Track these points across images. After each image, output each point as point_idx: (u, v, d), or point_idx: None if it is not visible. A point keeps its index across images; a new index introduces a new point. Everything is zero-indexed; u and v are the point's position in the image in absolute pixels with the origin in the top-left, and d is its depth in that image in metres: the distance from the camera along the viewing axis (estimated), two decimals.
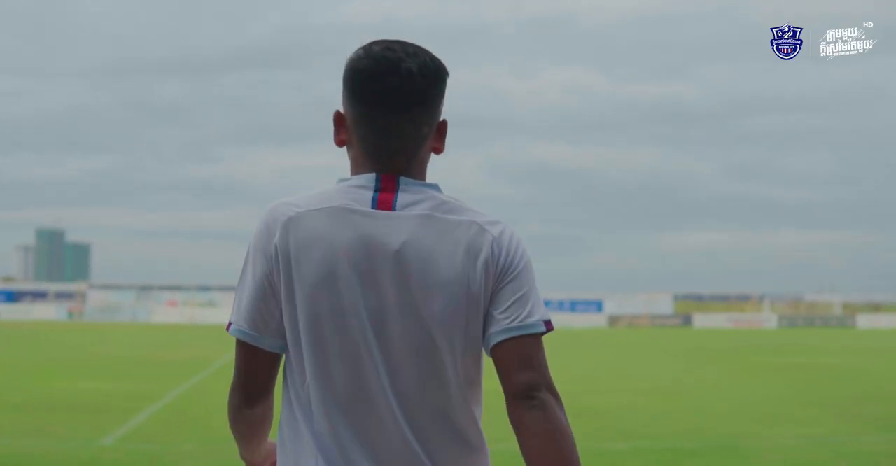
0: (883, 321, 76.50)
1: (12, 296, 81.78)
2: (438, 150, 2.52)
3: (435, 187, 2.46)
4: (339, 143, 2.50)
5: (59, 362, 26.94)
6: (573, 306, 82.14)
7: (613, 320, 77.43)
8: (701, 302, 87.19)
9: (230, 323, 2.46)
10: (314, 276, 2.34)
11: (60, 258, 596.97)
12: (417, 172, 2.47)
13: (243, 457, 2.71)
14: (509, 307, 2.38)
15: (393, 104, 2.40)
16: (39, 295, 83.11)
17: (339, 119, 2.49)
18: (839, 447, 12.46)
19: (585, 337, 50.42)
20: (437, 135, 2.51)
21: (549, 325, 2.41)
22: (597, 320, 78.13)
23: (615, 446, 12.40)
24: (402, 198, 2.40)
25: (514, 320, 2.37)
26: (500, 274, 2.39)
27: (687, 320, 77.58)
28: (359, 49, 2.46)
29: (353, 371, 2.35)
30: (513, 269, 2.39)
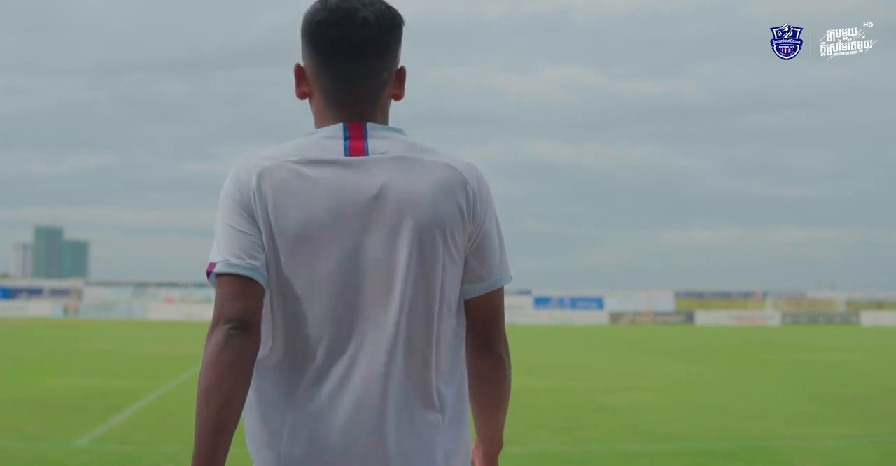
0: (886, 318, 76.30)
1: (7, 293, 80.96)
2: (398, 97, 2.58)
3: (400, 131, 2.51)
4: (301, 96, 2.57)
5: (44, 358, 26.05)
6: (573, 303, 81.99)
7: (615, 317, 76.97)
8: (702, 299, 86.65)
9: (214, 264, 2.36)
10: (294, 225, 2.36)
11: (59, 256, 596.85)
12: (381, 118, 2.51)
13: (206, 454, 2.29)
14: (484, 257, 2.48)
15: (351, 51, 2.46)
16: (35, 292, 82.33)
17: (299, 72, 2.55)
18: (883, 447, 11.69)
19: (589, 335, 49.72)
20: (396, 82, 2.56)
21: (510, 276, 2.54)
22: (598, 317, 77.71)
23: (641, 448, 11.57)
24: (372, 143, 2.44)
25: (489, 273, 2.49)
26: (473, 219, 2.45)
27: (689, 317, 77.26)
28: (316, 2, 2.51)
29: (336, 310, 2.37)
30: (484, 215, 2.47)
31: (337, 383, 2.37)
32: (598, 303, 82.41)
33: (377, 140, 2.45)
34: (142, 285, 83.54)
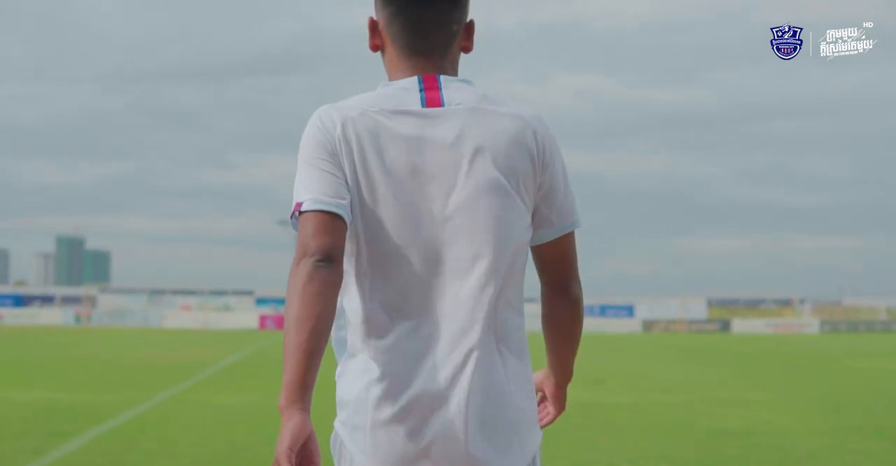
0: None
1: (20, 301, 78.51)
2: (467, 49, 2.70)
3: (470, 82, 2.62)
4: (374, 48, 2.67)
5: (21, 367, 23.18)
6: (602, 310, 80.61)
7: (648, 325, 74.73)
8: (736, 306, 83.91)
9: (300, 203, 2.43)
10: (377, 172, 2.46)
11: (80, 265, 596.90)
12: (451, 69, 2.63)
13: (301, 373, 2.30)
14: (555, 204, 2.60)
15: (423, 1, 2.56)
16: (48, 300, 79.83)
17: (372, 25, 2.65)
18: None
19: (629, 343, 47.00)
20: (465, 34, 2.67)
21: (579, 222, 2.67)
22: (630, 325, 75.63)
23: None
24: (447, 94, 2.55)
25: (559, 218, 2.61)
26: (543, 167, 2.58)
27: (725, 325, 75.12)
28: None
29: (419, 254, 2.48)
30: (552, 163, 2.59)
31: (427, 329, 2.46)
32: (629, 311, 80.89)
33: (451, 91, 2.56)
34: (157, 292, 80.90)
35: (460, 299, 2.47)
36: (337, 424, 2.53)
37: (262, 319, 73.37)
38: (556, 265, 2.66)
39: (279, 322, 72.64)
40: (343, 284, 2.48)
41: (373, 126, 2.47)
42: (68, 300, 79.46)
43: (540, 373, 2.89)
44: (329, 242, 2.37)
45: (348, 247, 2.48)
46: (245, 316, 74.72)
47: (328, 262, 2.35)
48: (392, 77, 2.61)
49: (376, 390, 2.45)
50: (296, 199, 2.44)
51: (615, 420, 12.97)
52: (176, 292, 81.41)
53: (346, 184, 2.45)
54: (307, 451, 2.25)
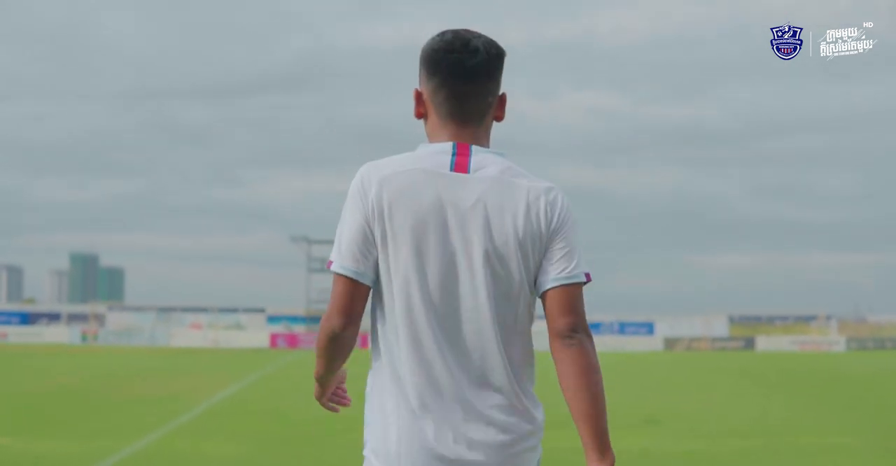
0: None
1: (26, 318, 76.59)
2: (500, 118, 3.11)
3: (501, 154, 3.01)
4: (418, 116, 3.08)
5: None
6: (622, 328, 79.03)
7: (670, 343, 72.79)
8: (759, 323, 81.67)
9: (331, 262, 2.90)
10: (405, 226, 2.85)
11: (94, 282, 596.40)
12: (485, 137, 3.04)
13: (322, 377, 3.13)
14: (559, 260, 2.93)
15: (465, 74, 2.97)
16: (55, 318, 77.84)
17: (418, 95, 3.06)
18: None
19: (654, 364, 44.98)
20: (499, 105, 3.09)
21: (588, 277, 2.95)
22: (651, 343, 73.83)
23: None
24: (475, 162, 2.94)
25: (562, 271, 2.92)
26: (551, 232, 2.93)
27: (749, 343, 72.97)
28: (434, 36, 3.03)
29: (444, 295, 2.88)
30: (562, 228, 2.94)
31: (441, 359, 2.88)
32: (649, 328, 78.77)
33: (479, 160, 2.94)
34: (166, 310, 78.84)
35: (471, 344, 2.92)
36: None
37: (274, 337, 71.56)
38: (559, 311, 2.91)
39: (291, 340, 70.89)
40: (373, 322, 2.99)
41: (405, 185, 2.86)
42: (75, 318, 77.46)
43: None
44: (350, 305, 2.87)
45: (377, 294, 2.95)
46: (256, 335, 72.92)
47: (349, 323, 2.89)
48: (432, 141, 3.01)
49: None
50: (331, 256, 2.92)
51: None
52: (186, 310, 79.39)
53: (375, 240, 2.87)
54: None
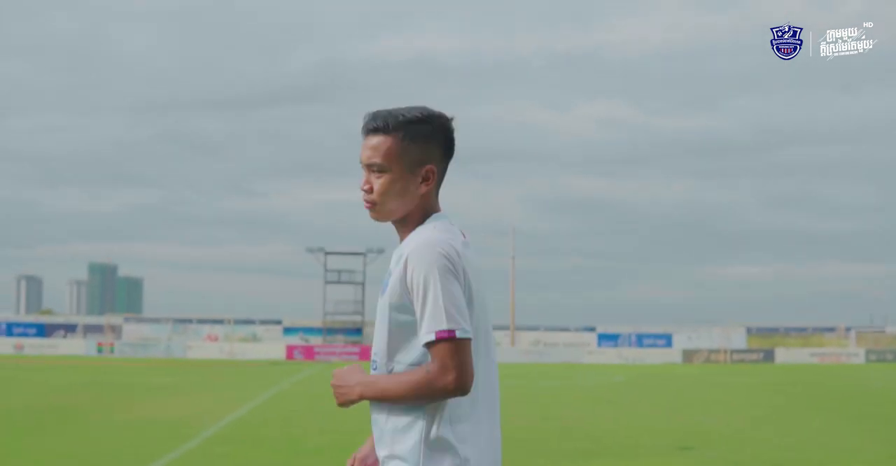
0: None
1: (43, 330, 76.38)
2: None
3: None
4: (426, 191, 3.33)
5: None
6: (640, 340, 78.75)
7: (688, 355, 72.03)
8: (776, 335, 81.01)
9: (452, 330, 3.07)
10: (476, 292, 3.21)
11: (113, 293, 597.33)
12: None
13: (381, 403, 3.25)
14: None
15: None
16: (72, 329, 77.57)
17: (432, 172, 3.32)
18: None
19: (676, 377, 44.18)
20: None
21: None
22: (669, 355, 73.30)
23: None
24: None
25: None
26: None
27: (768, 355, 72.39)
28: (440, 115, 3.33)
29: (488, 362, 3.28)
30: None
31: (492, 401, 3.28)
32: (667, 340, 78.32)
33: None
34: (182, 321, 78.59)
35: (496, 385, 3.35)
36: None
37: (290, 349, 71.20)
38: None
39: (307, 352, 70.51)
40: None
41: (468, 257, 3.21)
42: (92, 329, 77.23)
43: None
44: (471, 371, 3.11)
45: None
46: (272, 347, 72.62)
47: (465, 393, 3.12)
48: (434, 210, 3.34)
49: None
50: (445, 322, 3.06)
51: None
52: (202, 321, 79.13)
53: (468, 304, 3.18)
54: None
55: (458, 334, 3.03)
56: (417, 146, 3.24)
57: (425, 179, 3.25)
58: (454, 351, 3.04)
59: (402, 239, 3.30)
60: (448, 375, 3.03)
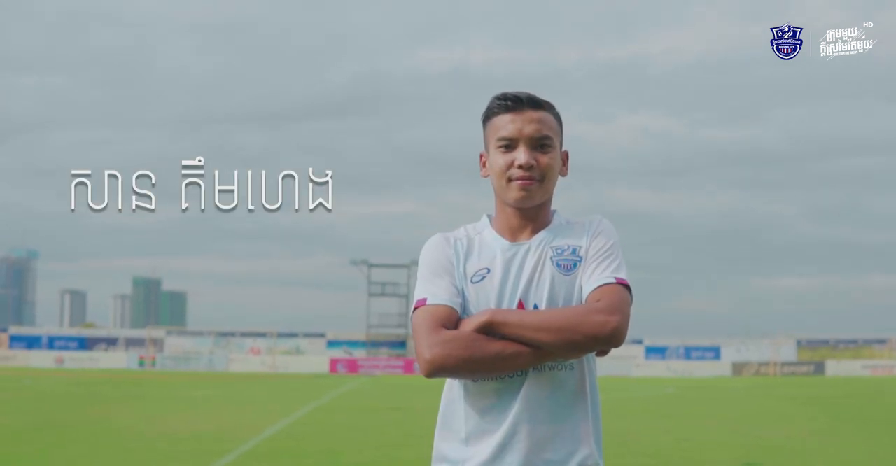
0: None
1: (84, 343, 76.05)
2: None
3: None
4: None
5: None
6: (688, 353, 77.51)
7: (738, 368, 70.82)
8: (826, 347, 79.57)
9: (631, 288, 3.01)
10: None
11: (157, 306, 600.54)
12: None
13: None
14: None
15: None
16: (113, 342, 77.20)
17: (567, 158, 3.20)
18: None
19: (731, 391, 43.06)
20: None
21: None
22: (718, 368, 72.13)
23: None
24: None
25: None
26: None
27: (819, 367, 71.03)
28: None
29: None
30: None
31: None
32: (715, 353, 77.03)
33: None
34: (225, 335, 78.06)
35: None
36: None
37: (333, 363, 70.57)
38: None
39: (351, 366, 69.88)
40: None
41: None
42: (133, 342, 76.85)
43: None
44: None
45: None
46: (315, 360, 72.02)
47: None
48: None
49: None
50: (627, 280, 2.95)
51: None
52: (245, 335, 78.59)
53: None
54: None
55: (632, 292, 2.87)
56: (562, 129, 3.05)
57: (564, 162, 3.05)
58: (627, 301, 2.80)
59: (524, 225, 2.96)
60: (613, 316, 2.75)
